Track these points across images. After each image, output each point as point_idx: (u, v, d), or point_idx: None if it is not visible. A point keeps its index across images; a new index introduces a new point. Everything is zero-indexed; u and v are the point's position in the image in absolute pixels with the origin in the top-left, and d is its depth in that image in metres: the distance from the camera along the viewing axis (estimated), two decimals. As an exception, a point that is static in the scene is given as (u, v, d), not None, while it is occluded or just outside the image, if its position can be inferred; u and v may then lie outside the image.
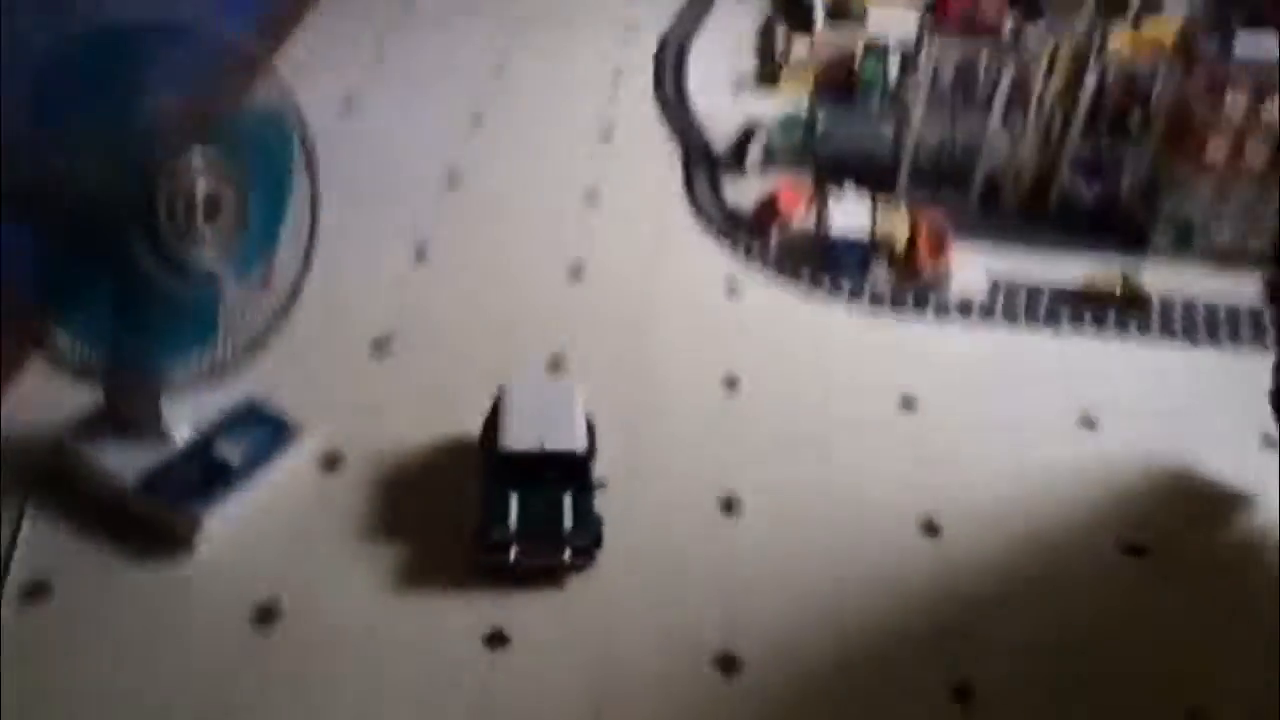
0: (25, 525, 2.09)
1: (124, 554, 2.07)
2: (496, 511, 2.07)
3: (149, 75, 1.85)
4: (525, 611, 2.03)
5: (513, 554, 2.05)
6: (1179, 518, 2.36)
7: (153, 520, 2.10)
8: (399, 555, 2.11)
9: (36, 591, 1.99)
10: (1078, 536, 2.29)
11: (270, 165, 2.05)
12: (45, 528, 2.10)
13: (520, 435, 2.13)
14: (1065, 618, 2.12)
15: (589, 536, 2.08)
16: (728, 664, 1.97)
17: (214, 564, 2.06)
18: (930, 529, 2.27)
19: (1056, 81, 3.08)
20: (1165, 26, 3.09)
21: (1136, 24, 3.10)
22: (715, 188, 3.24)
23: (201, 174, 1.90)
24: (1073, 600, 2.15)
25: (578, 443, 2.14)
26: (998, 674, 1.99)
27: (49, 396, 2.20)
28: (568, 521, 2.08)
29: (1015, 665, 2.02)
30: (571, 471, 2.12)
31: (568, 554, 2.07)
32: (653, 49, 3.92)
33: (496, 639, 1.98)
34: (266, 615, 1.98)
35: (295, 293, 2.16)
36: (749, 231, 3.07)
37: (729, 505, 2.28)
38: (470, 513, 2.11)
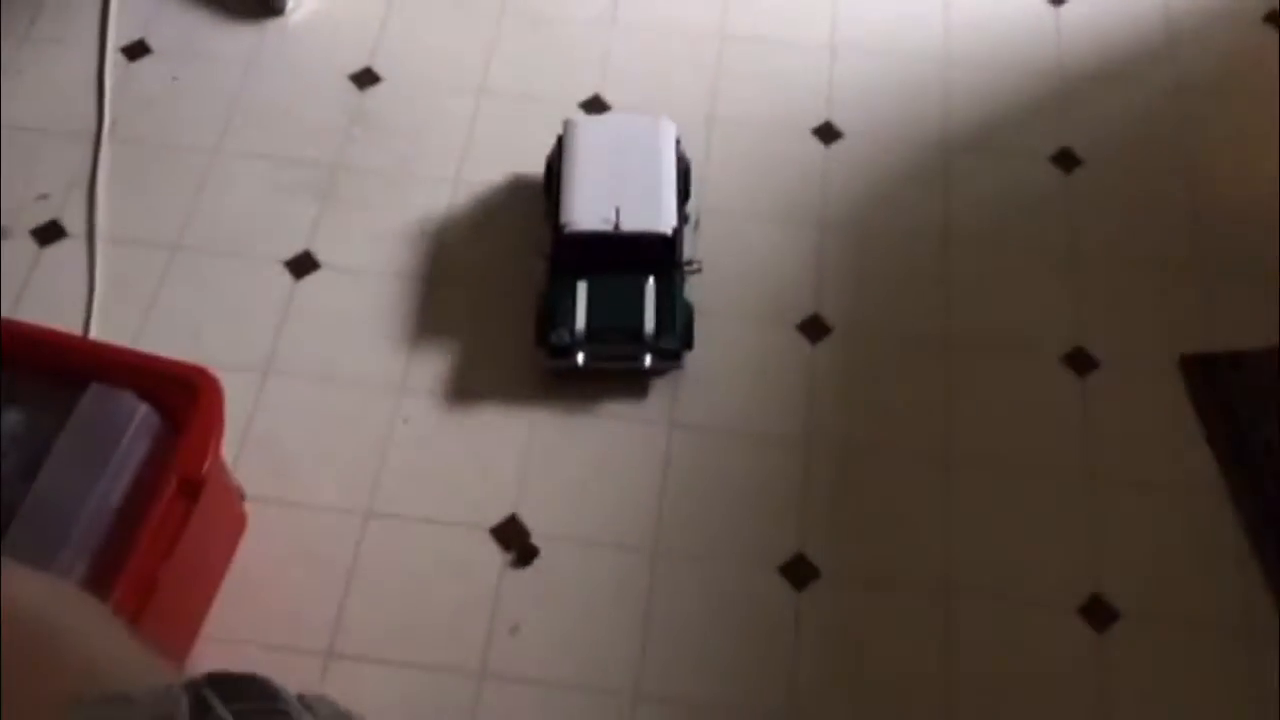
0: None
1: (218, 14, 2.04)
2: (561, 308, 1.56)
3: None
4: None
5: (580, 358, 1.57)
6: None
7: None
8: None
9: (138, 50, 1.99)
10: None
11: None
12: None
13: (588, 212, 1.58)
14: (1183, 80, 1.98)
15: (675, 337, 1.56)
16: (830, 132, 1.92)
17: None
18: None
19: None
20: None
21: None
22: None
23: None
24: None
25: (664, 221, 1.57)
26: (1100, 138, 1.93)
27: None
28: (649, 318, 1.56)
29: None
30: (654, 255, 1.58)
31: (648, 359, 1.58)
32: None
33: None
34: (366, 78, 1.97)
35: None
36: None
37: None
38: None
